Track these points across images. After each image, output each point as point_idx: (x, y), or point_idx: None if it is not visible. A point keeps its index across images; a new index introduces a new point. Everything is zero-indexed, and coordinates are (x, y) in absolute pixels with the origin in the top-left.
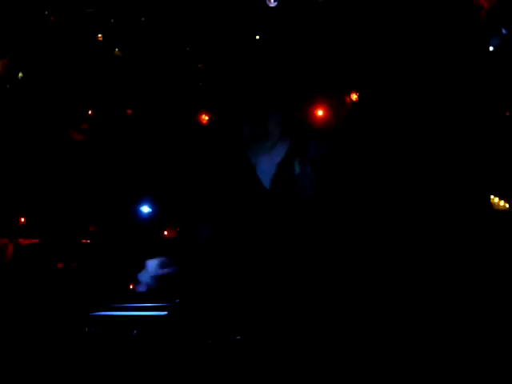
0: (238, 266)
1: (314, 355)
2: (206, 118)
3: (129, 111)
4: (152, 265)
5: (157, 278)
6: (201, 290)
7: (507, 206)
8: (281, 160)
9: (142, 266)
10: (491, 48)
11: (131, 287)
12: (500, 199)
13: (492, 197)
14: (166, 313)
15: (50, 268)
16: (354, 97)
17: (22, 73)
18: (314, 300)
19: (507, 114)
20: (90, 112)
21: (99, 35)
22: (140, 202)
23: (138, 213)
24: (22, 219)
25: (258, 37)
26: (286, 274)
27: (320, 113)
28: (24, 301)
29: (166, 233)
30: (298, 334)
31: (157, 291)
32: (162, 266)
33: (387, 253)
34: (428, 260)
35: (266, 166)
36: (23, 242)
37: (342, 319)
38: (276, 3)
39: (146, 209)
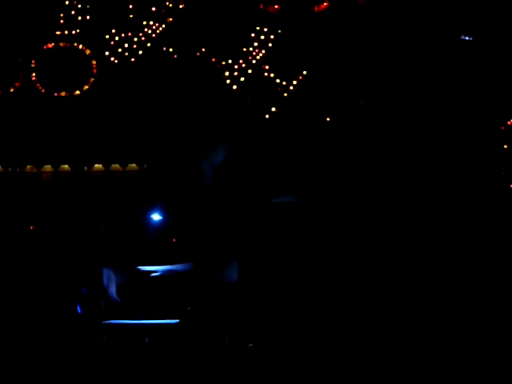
0: (249, 275)
1: (325, 362)
2: None
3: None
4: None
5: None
6: (212, 298)
7: None
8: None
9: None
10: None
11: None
12: None
13: None
14: (177, 321)
15: (63, 276)
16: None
17: None
18: (324, 306)
19: None
20: None
21: None
22: (150, 211)
23: (148, 221)
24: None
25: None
26: (296, 282)
27: None
28: (37, 309)
29: (174, 240)
30: (309, 341)
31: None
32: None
33: (390, 253)
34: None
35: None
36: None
37: (352, 326)
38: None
39: (156, 217)
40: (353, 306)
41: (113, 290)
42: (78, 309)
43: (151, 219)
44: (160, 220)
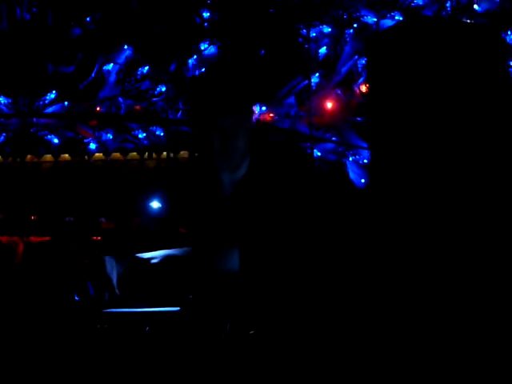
0: (250, 261)
1: (328, 349)
2: None
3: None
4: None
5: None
6: (214, 286)
7: None
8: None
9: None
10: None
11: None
12: None
13: None
14: (178, 308)
15: (61, 265)
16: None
17: None
18: (328, 294)
19: None
20: None
21: None
22: (151, 199)
23: (149, 210)
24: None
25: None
26: (298, 269)
27: None
28: (36, 298)
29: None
30: (312, 328)
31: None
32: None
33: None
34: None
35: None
36: (34, 239)
37: (356, 313)
38: None
39: (155, 204)
40: (360, 295)
41: (114, 279)
42: (76, 297)
43: (153, 207)
44: (162, 208)
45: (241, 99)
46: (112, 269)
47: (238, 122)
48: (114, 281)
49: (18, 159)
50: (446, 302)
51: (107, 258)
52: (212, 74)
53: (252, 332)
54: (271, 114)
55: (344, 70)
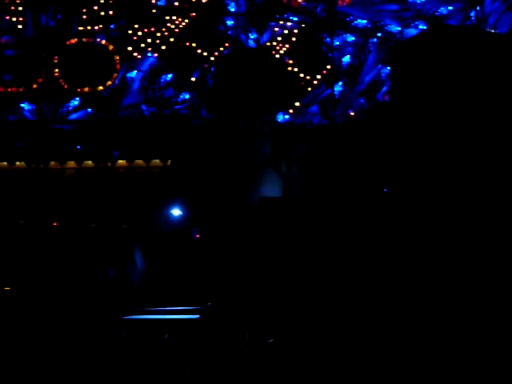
0: (269, 270)
1: (347, 359)
2: None
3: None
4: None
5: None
6: (233, 293)
7: None
8: (267, 158)
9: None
10: None
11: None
12: None
13: None
14: (197, 316)
15: (83, 272)
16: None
17: None
18: (347, 303)
19: None
20: None
21: None
22: (170, 206)
23: (168, 216)
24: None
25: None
26: (319, 277)
27: None
28: (58, 305)
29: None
30: (332, 337)
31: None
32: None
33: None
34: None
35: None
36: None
37: (374, 321)
38: None
39: (176, 212)
40: (379, 300)
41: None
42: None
43: (173, 214)
44: (182, 215)
45: (266, 94)
46: (135, 265)
47: (263, 108)
48: (135, 276)
49: (42, 165)
50: (465, 302)
51: (136, 252)
52: (240, 65)
53: (271, 340)
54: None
55: (367, 78)
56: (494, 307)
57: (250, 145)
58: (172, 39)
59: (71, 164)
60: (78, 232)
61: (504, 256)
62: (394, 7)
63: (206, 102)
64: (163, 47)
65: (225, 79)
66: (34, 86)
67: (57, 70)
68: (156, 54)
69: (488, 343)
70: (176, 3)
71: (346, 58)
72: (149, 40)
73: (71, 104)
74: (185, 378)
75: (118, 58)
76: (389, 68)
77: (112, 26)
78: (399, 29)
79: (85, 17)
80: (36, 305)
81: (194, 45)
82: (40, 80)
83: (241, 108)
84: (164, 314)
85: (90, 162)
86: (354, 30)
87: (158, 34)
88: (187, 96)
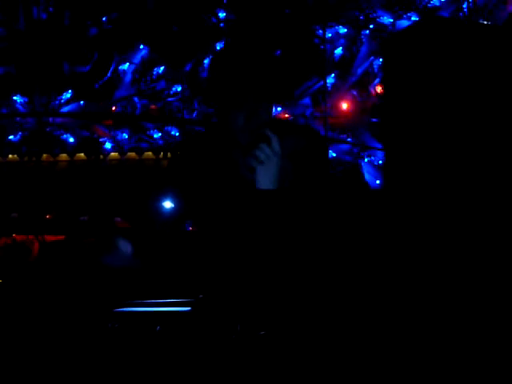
0: (261, 262)
1: (339, 349)
2: None
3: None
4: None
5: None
6: (224, 286)
7: None
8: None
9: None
10: None
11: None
12: None
13: None
14: (189, 308)
15: (74, 264)
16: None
17: None
18: (341, 296)
19: None
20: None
21: None
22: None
23: (160, 209)
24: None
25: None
26: (311, 270)
27: None
28: (48, 297)
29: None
30: (323, 328)
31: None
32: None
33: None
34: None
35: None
36: (49, 238)
37: (371, 315)
38: None
39: (169, 204)
40: (376, 296)
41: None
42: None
43: (165, 207)
44: (174, 208)
45: (263, 84)
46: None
47: (261, 102)
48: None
49: (34, 158)
50: (466, 302)
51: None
52: (235, 53)
53: (263, 333)
54: (286, 115)
55: (360, 70)
56: (493, 304)
57: (247, 136)
58: (164, 32)
59: (63, 157)
60: (70, 225)
61: (503, 253)
62: None
63: (199, 94)
64: (155, 40)
65: (218, 71)
66: (26, 78)
67: (49, 63)
68: (148, 47)
69: (486, 341)
70: None
71: (339, 50)
72: (141, 32)
73: (63, 97)
74: (177, 369)
75: (109, 50)
76: (381, 60)
77: (104, 19)
78: (391, 20)
79: (77, 9)
80: (28, 298)
81: (186, 37)
82: (32, 73)
83: (236, 100)
84: (156, 306)
85: (82, 154)
86: (347, 22)
87: (151, 27)
88: (179, 88)
